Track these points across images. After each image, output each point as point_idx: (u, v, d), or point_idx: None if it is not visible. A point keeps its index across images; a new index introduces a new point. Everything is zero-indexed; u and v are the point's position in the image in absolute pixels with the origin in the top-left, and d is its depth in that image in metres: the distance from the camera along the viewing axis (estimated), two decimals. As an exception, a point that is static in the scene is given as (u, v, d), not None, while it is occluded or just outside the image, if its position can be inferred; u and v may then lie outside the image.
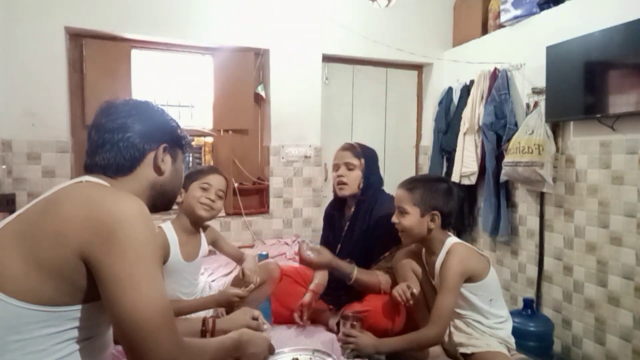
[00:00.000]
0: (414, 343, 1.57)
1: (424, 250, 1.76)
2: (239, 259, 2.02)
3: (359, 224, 2.00)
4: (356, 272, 1.86)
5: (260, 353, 1.26)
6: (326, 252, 1.87)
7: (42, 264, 0.83)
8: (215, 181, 1.80)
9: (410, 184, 1.69)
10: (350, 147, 2.04)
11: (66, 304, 0.86)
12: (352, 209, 2.03)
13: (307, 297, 1.94)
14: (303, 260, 1.86)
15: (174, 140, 1.10)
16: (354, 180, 2.00)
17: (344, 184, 2.00)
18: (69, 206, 0.86)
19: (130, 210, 0.87)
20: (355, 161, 1.99)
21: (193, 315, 1.77)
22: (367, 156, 2.05)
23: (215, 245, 1.98)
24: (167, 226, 1.77)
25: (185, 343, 0.92)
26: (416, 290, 1.64)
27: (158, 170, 1.05)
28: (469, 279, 1.58)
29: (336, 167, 2.04)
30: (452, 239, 1.65)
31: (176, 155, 1.11)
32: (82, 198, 0.88)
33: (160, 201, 1.10)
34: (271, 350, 1.33)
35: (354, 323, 1.65)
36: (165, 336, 0.86)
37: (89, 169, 1.02)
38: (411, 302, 1.64)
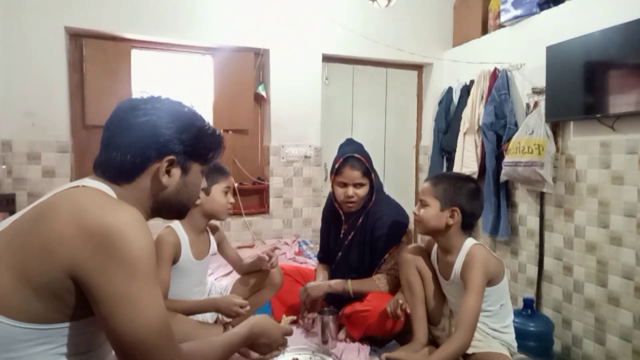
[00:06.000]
0: (455, 355, 1.47)
1: (435, 248, 1.73)
2: (239, 266, 2.02)
3: (365, 233, 1.96)
4: (351, 286, 1.91)
5: (272, 342, 1.21)
6: (316, 286, 1.95)
7: (31, 280, 0.79)
8: (231, 182, 1.81)
9: (436, 178, 1.66)
10: (359, 166, 1.90)
11: (59, 321, 0.82)
12: (360, 220, 1.98)
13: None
14: (304, 305, 1.95)
15: (192, 152, 0.98)
16: (362, 197, 1.94)
17: (354, 202, 1.93)
18: (57, 219, 0.80)
19: (121, 223, 0.80)
20: (365, 180, 1.92)
21: (207, 317, 1.77)
22: (372, 168, 1.96)
23: (219, 247, 1.98)
24: (177, 225, 1.77)
25: (186, 354, 0.90)
26: (405, 304, 1.68)
27: (159, 183, 0.95)
28: (488, 282, 1.55)
29: (342, 185, 1.93)
30: (471, 241, 1.62)
31: (189, 168, 1.00)
32: (71, 209, 0.82)
33: (166, 212, 1.02)
34: (284, 341, 1.26)
35: (330, 317, 1.75)
36: (165, 351, 0.84)
37: (94, 168, 0.96)
38: (402, 318, 1.69)
